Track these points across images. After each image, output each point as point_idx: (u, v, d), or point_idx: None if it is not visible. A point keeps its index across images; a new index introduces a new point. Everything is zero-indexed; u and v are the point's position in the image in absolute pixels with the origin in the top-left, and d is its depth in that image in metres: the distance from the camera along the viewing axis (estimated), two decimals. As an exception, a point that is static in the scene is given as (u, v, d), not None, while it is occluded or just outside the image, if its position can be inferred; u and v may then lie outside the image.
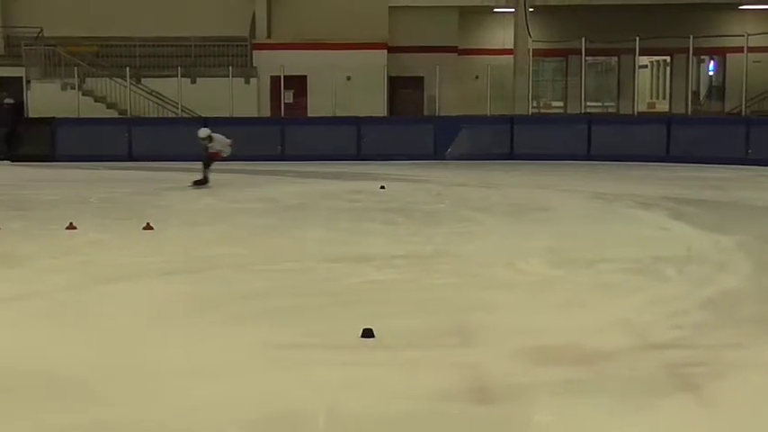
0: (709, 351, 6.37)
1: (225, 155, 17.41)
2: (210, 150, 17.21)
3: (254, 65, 27.29)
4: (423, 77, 28.22)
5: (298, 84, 26.34)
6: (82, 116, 24.47)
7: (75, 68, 25.50)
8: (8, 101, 25.39)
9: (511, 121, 23.84)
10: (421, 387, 5.59)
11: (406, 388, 5.60)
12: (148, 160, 22.60)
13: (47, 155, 23.44)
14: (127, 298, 8.14)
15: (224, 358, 6.25)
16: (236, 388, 5.63)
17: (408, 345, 6.59)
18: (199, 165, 17.37)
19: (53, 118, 24.03)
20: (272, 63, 25.87)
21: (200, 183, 17.02)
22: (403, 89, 28.82)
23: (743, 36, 23.11)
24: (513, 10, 27.02)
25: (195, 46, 27.49)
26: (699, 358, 6.16)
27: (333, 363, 6.18)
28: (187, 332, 6.97)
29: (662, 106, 34.31)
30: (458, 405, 5.32)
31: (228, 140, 17.39)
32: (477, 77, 28.60)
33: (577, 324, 7.08)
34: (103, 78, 26.19)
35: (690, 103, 26.01)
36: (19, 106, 25.37)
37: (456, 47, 29.92)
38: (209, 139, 17.22)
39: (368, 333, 6.64)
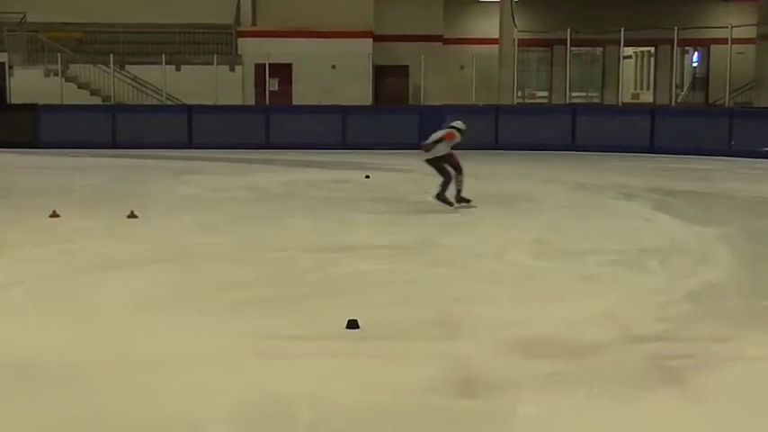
0: (694, 344, 6.39)
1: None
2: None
3: (238, 52, 27.20)
4: (408, 66, 28.20)
5: (283, 72, 26.27)
6: (65, 103, 24.33)
7: (59, 55, 25.34)
8: None
9: (496, 110, 23.86)
10: (405, 379, 5.59)
11: (390, 379, 5.60)
12: (132, 147, 22.51)
13: (30, 141, 23.31)
14: (111, 287, 8.08)
15: (208, 348, 6.22)
16: (220, 378, 5.61)
17: (393, 336, 6.58)
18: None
19: (36, 104, 23.87)
20: (256, 51, 25.79)
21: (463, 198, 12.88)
22: (388, 78, 28.78)
23: (727, 27, 23.19)
24: (498, -1, 27.02)
25: (180, 33, 27.36)
26: (683, 351, 6.17)
27: (317, 354, 6.17)
28: (171, 322, 6.93)
29: (646, 97, 34.42)
30: (442, 397, 5.32)
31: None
32: (462, 67, 28.60)
33: (562, 316, 7.09)
34: (87, 65, 26.05)
35: (674, 94, 26.09)
36: None
37: (441, 36, 29.91)
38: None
39: (353, 324, 6.62)
